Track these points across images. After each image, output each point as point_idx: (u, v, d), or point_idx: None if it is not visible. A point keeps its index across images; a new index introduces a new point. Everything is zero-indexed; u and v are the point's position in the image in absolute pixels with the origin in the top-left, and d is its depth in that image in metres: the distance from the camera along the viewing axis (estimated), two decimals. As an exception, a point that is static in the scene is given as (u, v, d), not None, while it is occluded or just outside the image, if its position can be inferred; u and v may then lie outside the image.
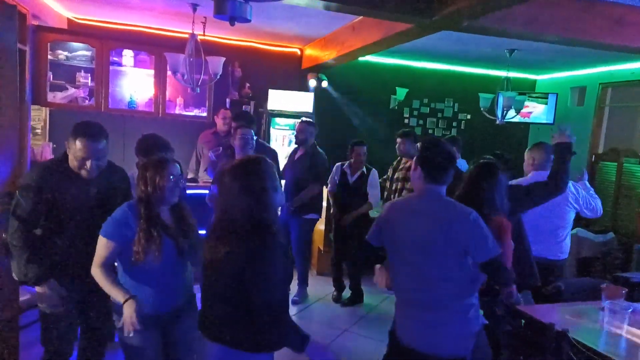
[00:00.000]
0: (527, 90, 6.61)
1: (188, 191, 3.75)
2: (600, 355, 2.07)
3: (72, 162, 2.21)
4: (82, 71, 4.59)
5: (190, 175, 4.88)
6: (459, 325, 2.00)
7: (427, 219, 2.00)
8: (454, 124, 6.78)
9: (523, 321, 2.50)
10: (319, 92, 5.96)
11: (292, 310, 4.20)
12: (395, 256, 2.11)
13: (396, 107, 6.48)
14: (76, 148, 2.17)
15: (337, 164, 4.71)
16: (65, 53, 4.53)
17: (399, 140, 4.33)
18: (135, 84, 4.84)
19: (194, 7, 4.19)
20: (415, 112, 6.61)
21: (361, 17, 3.96)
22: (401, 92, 6.36)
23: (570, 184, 3.39)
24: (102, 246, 2.01)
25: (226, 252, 1.67)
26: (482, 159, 2.66)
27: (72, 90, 4.56)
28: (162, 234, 2.02)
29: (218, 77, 4.29)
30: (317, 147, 4.45)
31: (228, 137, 4.44)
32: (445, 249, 1.96)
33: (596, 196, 3.52)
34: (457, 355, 1.99)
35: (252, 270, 1.63)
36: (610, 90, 5.85)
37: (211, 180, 4.05)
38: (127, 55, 4.74)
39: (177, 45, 4.69)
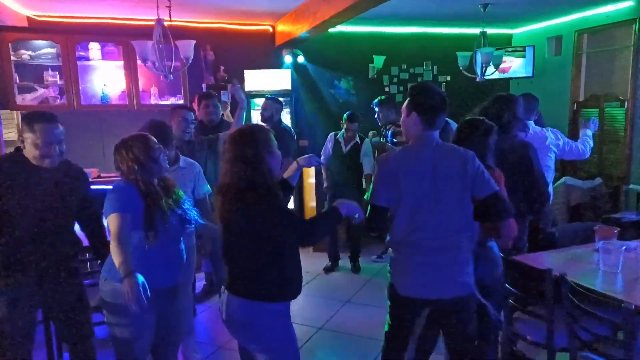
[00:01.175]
0: (504, 45, 6.55)
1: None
2: (599, 294, 2.10)
3: (32, 153, 2.09)
4: (49, 69, 4.43)
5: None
6: (461, 270, 2.04)
7: (432, 164, 2.00)
8: (435, 86, 6.74)
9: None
10: (296, 68, 5.85)
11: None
12: (402, 209, 2.04)
13: (375, 76, 6.40)
14: (36, 136, 2.05)
15: (331, 134, 4.72)
16: (29, 52, 4.37)
17: (377, 109, 4.32)
18: (105, 77, 4.70)
19: (159, -10, 4.04)
20: (395, 79, 6.53)
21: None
22: (379, 60, 6.28)
23: (550, 132, 3.40)
24: (116, 222, 1.94)
25: (231, 213, 1.83)
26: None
27: (41, 91, 4.42)
28: (164, 208, 2.05)
29: (190, 61, 4.17)
30: (283, 123, 4.53)
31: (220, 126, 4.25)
32: (454, 190, 1.99)
33: (590, 142, 3.54)
34: (455, 296, 2.03)
35: (255, 229, 1.82)
36: (586, 37, 5.83)
37: None
38: (94, 48, 4.59)
39: (144, 33, 4.52)
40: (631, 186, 4.94)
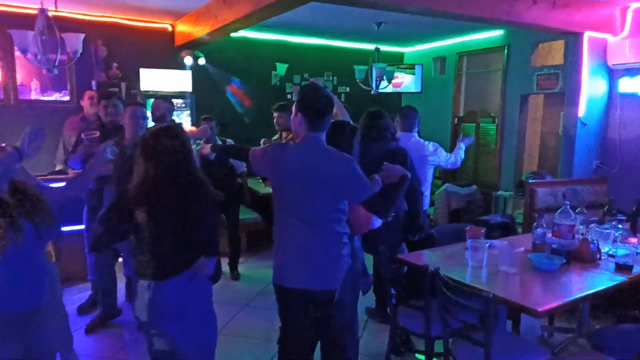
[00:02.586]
0: (397, 62, 7.08)
1: (57, 184, 3.40)
2: (467, 286, 2.38)
3: None
4: None
5: (58, 167, 4.43)
6: (329, 261, 2.13)
7: (308, 166, 2.07)
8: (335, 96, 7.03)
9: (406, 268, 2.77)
10: (197, 70, 5.74)
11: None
12: (277, 197, 2.19)
13: (278, 83, 6.52)
14: None
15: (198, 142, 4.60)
16: None
17: (276, 114, 4.38)
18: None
19: (42, -21, 3.73)
20: (297, 87, 6.71)
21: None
22: (281, 68, 6.41)
23: (431, 144, 3.73)
24: None
25: (167, 207, 1.96)
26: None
27: None
28: (15, 218, 1.78)
29: (78, 55, 3.90)
30: (175, 123, 4.37)
31: (99, 121, 4.08)
32: (323, 192, 2.07)
33: (461, 152, 3.94)
34: (328, 288, 2.12)
35: (195, 214, 2.00)
36: (466, 59, 6.52)
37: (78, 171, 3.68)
38: (-39, 34, 4.08)
39: (25, 22, 4.15)
40: (500, 192, 5.61)
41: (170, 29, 5.70)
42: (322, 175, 2.06)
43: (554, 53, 5.31)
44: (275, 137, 4.57)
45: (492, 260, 2.67)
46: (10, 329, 1.75)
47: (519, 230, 4.19)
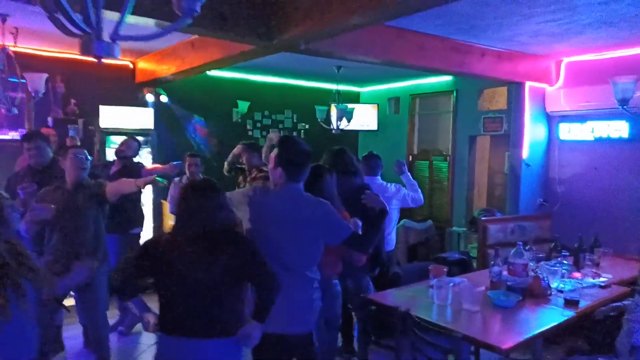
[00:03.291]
0: (353, 101, 7.39)
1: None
2: (434, 325, 2.52)
3: None
4: None
5: None
6: (304, 304, 2.23)
7: (287, 212, 2.17)
8: (294, 133, 7.20)
9: (374, 307, 2.88)
10: (158, 107, 5.73)
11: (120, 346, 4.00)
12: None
13: (239, 120, 6.61)
14: None
15: (174, 179, 4.59)
16: None
17: (245, 155, 4.45)
18: None
19: (3, 17, 3.70)
20: (258, 124, 6.83)
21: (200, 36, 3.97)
22: (243, 105, 6.52)
23: (393, 186, 3.96)
24: None
25: (219, 258, 1.95)
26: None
27: None
28: (17, 281, 1.75)
29: (40, 95, 3.87)
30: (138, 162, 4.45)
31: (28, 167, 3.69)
32: (299, 235, 2.17)
33: (417, 187, 4.13)
34: (304, 331, 2.24)
35: (248, 262, 2.00)
36: (418, 100, 6.93)
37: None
38: None
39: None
40: (454, 228, 5.92)
41: (131, 66, 5.69)
42: (300, 219, 2.17)
43: (497, 98, 5.77)
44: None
45: (455, 298, 2.84)
46: None
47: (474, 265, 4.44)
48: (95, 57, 1.10)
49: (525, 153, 4.94)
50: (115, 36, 1.12)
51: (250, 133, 6.75)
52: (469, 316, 2.67)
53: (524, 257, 3.01)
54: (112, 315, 4.05)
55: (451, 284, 2.86)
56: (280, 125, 7.07)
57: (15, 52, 3.87)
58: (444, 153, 6.46)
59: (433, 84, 6.51)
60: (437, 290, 2.84)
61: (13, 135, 4.38)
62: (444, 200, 6.42)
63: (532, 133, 4.96)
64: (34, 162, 3.54)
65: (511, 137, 5.08)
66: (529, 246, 3.44)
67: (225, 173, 4.48)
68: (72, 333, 3.86)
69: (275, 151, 2.24)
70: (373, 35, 3.59)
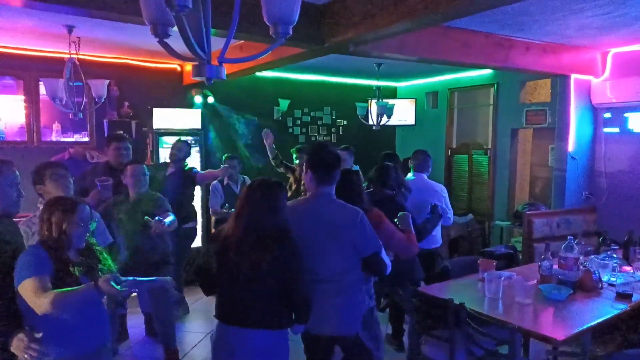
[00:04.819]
0: (390, 96, 7.45)
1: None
2: (487, 317, 2.62)
3: None
4: None
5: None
6: (352, 308, 2.32)
7: (319, 221, 2.24)
8: (333, 129, 7.34)
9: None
10: (206, 108, 5.97)
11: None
12: None
13: (280, 118, 6.79)
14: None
15: (213, 183, 4.81)
16: None
17: (296, 155, 4.68)
18: (1, 112, 4.35)
19: (70, 28, 3.96)
20: (298, 122, 6.99)
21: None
22: (284, 103, 6.70)
23: (440, 187, 4.02)
24: (34, 285, 1.75)
25: (265, 257, 2.03)
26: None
27: None
28: (77, 277, 1.91)
29: (103, 99, 4.12)
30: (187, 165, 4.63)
31: (107, 165, 3.97)
32: (340, 246, 2.25)
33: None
34: (349, 334, 2.33)
35: (290, 268, 2.09)
36: (457, 94, 6.93)
37: None
38: (-11, 80, 4.25)
39: (48, 66, 4.36)
40: (496, 222, 5.93)
41: (179, 69, 5.94)
42: (334, 226, 2.23)
43: (539, 90, 5.72)
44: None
45: (506, 291, 2.92)
46: None
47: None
48: (206, 80, 1.26)
49: (571, 146, 4.91)
50: (222, 59, 1.27)
51: (290, 130, 6.92)
52: (521, 309, 2.74)
53: (575, 251, 3.04)
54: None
55: (502, 278, 2.94)
56: (320, 122, 7.22)
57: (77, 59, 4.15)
58: (484, 146, 6.45)
59: (473, 78, 6.50)
60: (488, 284, 2.92)
61: (77, 137, 4.69)
62: (484, 194, 6.42)
63: (578, 125, 4.92)
64: (117, 161, 3.76)
65: (556, 130, 5.04)
66: (576, 240, 3.46)
67: (273, 164, 4.71)
68: (135, 322, 4.13)
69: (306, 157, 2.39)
70: (419, 35, 3.66)
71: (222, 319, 2.19)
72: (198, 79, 1.27)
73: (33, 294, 1.75)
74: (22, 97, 4.35)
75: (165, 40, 1.34)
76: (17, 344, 1.79)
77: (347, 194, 2.45)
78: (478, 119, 6.70)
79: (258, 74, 6.33)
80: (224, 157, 4.75)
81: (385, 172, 3.47)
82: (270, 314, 2.13)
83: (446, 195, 4.03)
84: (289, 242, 2.11)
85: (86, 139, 4.70)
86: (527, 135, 6.00)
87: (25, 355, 1.77)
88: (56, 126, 4.61)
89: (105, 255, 2.15)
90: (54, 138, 4.57)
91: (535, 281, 3.05)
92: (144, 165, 3.59)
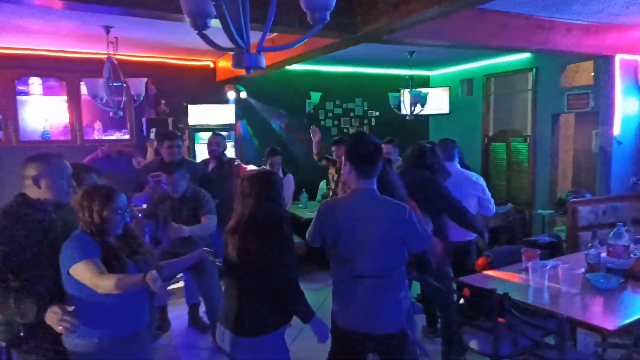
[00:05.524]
0: (422, 85, 7.31)
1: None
2: (532, 306, 2.54)
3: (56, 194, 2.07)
4: (-17, 104, 4.20)
5: None
6: (393, 305, 2.20)
7: (366, 218, 2.10)
8: (365, 121, 7.28)
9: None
10: (239, 103, 6.04)
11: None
12: (334, 254, 2.22)
13: (312, 111, 6.80)
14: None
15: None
16: (-39, 86, 4.12)
17: (334, 147, 4.67)
18: (46, 112, 4.54)
19: (107, 29, 4.08)
20: (330, 114, 6.98)
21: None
22: (315, 96, 6.70)
23: (475, 176, 3.78)
24: (90, 267, 1.84)
25: (255, 247, 1.98)
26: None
27: (-26, 126, 4.16)
28: (123, 259, 2.00)
29: (142, 97, 4.23)
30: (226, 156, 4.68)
31: (160, 161, 4.09)
32: (385, 244, 2.12)
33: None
34: (389, 332, 2.20)
35: (279, 259, 2.00)
36: (493, 80, 6.73)
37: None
38: (35, 83, 4.44)
39: (89, 67, 4.50)
40: (538, 211, 5.74)
41: (212, 65, 6.03)
42: (379, 222, 2.11)
43: (581, 73, 5.48)
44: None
45: (552, 280, 2.83)
46: (118, 349, 1.96)
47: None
48: (245, 69, 1.26)
49: (616, 130, 4.68)
50: (261, 48, 1.27)
51: (322, 123, 6.91)
52: (568, 298, 2.65)
53: (624, 238, 2.91)
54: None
55: (547, 267, 2.84)
56: (352, 114, 7.17)
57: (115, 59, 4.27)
58: (523, 133, 6.25)
59: (510, 62, 6.29)
60: (532, 273, 2.84)
61: (118, 135, 4.84)
62: (524, 182, 6.22)
63: (624, 108, 4.68)
64: (170, 158, 3.85)
65: (600, 114, 4.82)
66: (625, 227, 3.31)
67: (315, 158, 4.78)
68: (177, 313, 4.22)
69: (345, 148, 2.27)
70: (453, 19, 3.57)
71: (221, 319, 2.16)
72: (238, 68, 1.27)
73: (93, 275, 1.84)
74: (65, 98, 4.52)
75: (204, 32, 1.35)
76: (52, 316, 1.88)
77: (382, 185, 2.32)
78: (516, 106, 6.49)
79: (289, 67, 6.34)
80: (266, 153, 4.78)
81: (422, 151, 3.30)
82: (260, 318, 2.06)
83: (484, 183, 3.82)
84: (279, 233, 2.03)
85: (126, 136, 4.84)
86: (569, 120, 5.77)
87: (60, 327, 1.86)
88: (98, 125, 4.77)
89: (139, 237, 2.23)
90: (96, 136, 4.74)
91: (583, 270, 2.94)
92: (177, 173, 3.57)
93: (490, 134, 6.79)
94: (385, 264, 2.17)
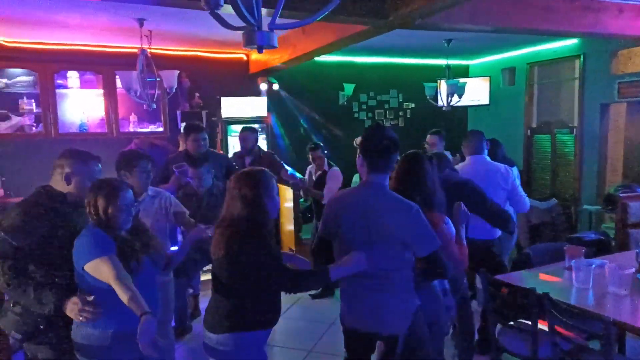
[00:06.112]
0: (461, 75, 7.04)
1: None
2: (575, 308, 2.36)
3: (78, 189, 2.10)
4: (25, 97, 4.36)
5: None
6: (397, 307, 2.07)
7: (369, 213, 1.99)
8: (400, 113, 7.10)
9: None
10: (271, 96, 6.02)
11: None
12: (340, 248, 2.13)
13: (345, 103, 6.68)
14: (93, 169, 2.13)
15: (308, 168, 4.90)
16: (4, 80, 4.29)
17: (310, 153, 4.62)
18: (84, 105, 4.66)
19: (141, 21, 4.12)
20: (364, 106, 6.84)
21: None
22: (349, 88, 6.58)
23: (503, 167, 3.42)
24: (106, 265, 1.84)
25: (226, 248, 1.91)
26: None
27: (16, 119, 4.32)
28: (138, 254, 1.99)
29: (174, 90, 4.25)
30: (261, 149, 4.68)
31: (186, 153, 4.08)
32: (386, 243, 1.98)
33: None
34: (394, 333, 2.07)
35: (246, 264, 1.90)
36: (537, 69, 6.38)
37: None
38: (72, 76, 4.56)
39: (124, 61, 4.57)
40: (584, 207, 5.41)
41: (245, 58, 6.02)
42: (384, 225, 1.97)
43: (635, 59, 5.09)
44: None
45: (597, 280, 2.62)
46: (132, 343, 1.90)
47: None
48: (257, 48, 1.18)
49: (673, 119, 4.32)
50: (273, 25, 1.19)
51: (356, 115, 6.79)
52: (616, 300, 2.45)
53: (682, 236, 2.66)
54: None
55: (593, 266, 2.63)
56: (386, 106, 7.01)
57: (149, 53, 4.31)
58: (569, 124, 5.89)
59: (555, 49, 5.94)
60: (576, 272, 2.64)
61: (152, 128, 4.91)
62: (570, 176, 5.88)
63: (683, 96, 4.32)
64: (195, 151, 3.85)
65: (656, 103, 4.47)
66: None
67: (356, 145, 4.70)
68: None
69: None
70: (493, 1, 3.38)
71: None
72: (250, 48, 1.20)
73: (112, 275, 1.83)
74: (101, 91, 4.62)
75: (217, 11, 1.28)
76: (72, 307, 1.88)
77: (413, 186, 2.21)
78: (561, 95, 6.13)
79: (321, 59, 6.25)
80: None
81: (442, 155, 3.08)
82: (224, 316, 1.98)
83: (515, 176, 3.48)
84: (255, 237, 1.91)
85: (161, 129, 4.90)
86: (620, 110, 5.39)
87: (80, 317, 1.87)
88: (133, 117, 4.86)
89: (149, 232, 2.21)
90: (131, 129, 4.82)
91: (633, 270, 2.71)
92: (201, 168, 3.55)
93: (533, 125, 6.45)
94: (387, 264, 2.02)
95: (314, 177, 4.71)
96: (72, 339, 1.97)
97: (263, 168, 2.04)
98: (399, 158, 2.26)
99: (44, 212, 2.05)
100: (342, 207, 2.10)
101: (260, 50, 1.23)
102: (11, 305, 2.06)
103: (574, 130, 5.78)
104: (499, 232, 3.31)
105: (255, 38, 1.17)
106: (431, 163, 2.39)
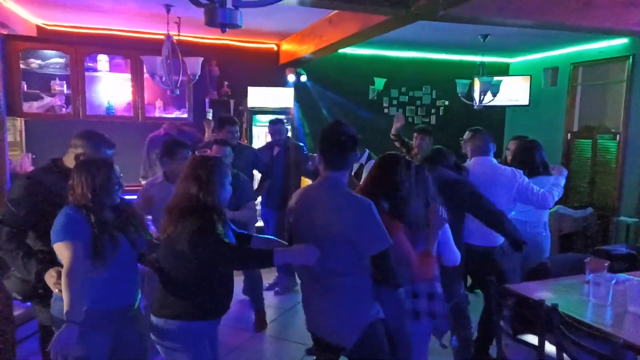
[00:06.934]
0: (501, 73, 6.73)
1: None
2: (588, 326, 2.17)
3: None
4: (57, 79, 4.51)
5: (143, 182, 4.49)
6: (342, 316, 1.95)
7: (322, 209, 1.92)
8: (433, 110, 6.87)
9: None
10: (298, 87, 5.97)
11: (274, 301, 4.35)
12: (294, 242, 2.07)
13: (375, 98, 6.54)
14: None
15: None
16: (38, 61, 4.45)
17: (416, 134, 4.49)
18: (112, 89, 4.78)
19: (168, 7, 4.16)
20: (395, 102, 6.67)
21: (337, 10, 3.97)
22: (379, 82, 6.42)
23: (510, 170, 3.19)
24: (67, 251, 1.86)
25: (173, 230, 1.93)
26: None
27: (48, 99, 4.48)
28: (115, 235, 1.97)
29: (197, 77, 4.27)
30: (291, 139, 4.71)
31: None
32: (332, 240, 1.89)
33: (555, 192, 3.24)
34: (339, 344, 1.96)
35: (191, 246, 1.89)
36: (581, 70, 6.00)
37: None
38: (102, 60, 4.68)
39: (152, 47, 4.63)
40: (622, 218, 5.05)
41: (275, 48, 6.00)
42: (330, 220, 1.88)
43: (692, 61, 4.69)
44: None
45: (618, 297, 2.42)
46: (109, 323, 1.98)
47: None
48: (220, 26, 1.12)
49: None
50: (237, 3, 1.12)
51: (386, 111, 6.63)
52: (635, 320, 2.24)
53: None
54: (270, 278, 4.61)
55: (613, 281, 2.43)
56: (418, 102, 6.81)
57: (178, 40, 4.35)
58: (613, 130, 5.51)
59: (602, 49, 5.56)
60: (594, 287, 2.44)
61: (177, 113, 4.97)
62: (610, 185, 5.51)
63: None
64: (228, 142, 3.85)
65: None
66: None
67: (392, 137, 4.68)
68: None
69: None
70: (525, -6, 3.17)
71: None
72: (211, 26, 1.14)
73: (68, 260, 1.86)
74: (129, 76, 4.71)
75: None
76: (49, 278, 1.99)
77: (389, 187, 2.10)
78: (606, 98, 5.74)
79: (352, 51, 6.14)
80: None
81: (439, 150, 2.92)
82: (168, 301, 2.00)
83: (523, 180, 3.12)
84: (202, 216, 1.91)
85: (185, 115, 4.95)
86: (671, 116, 4.98)
87: (56, 290, 1.95)
88: (159, 103, 4.94)
89: (133, 211, 2.19)
90: (157, 114, 4.90)
91: (659, 289, 2.47)
92: (229, 147, 3.60)
93: (575, 129, 6.08)
94: (332, 263, 1.90)
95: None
96: (50, 311, 2.02)
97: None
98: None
99: (48, 185, 2.16)
100: (297, 201, 2.07)
101: (223, 30, 1.16)
102: (14, 269, 2.23)
103: (618, 136, 5.40)
104: (501, 240, 3.08)
105: (217, 16, 1.10)
106: (418, 170, 2.21)
